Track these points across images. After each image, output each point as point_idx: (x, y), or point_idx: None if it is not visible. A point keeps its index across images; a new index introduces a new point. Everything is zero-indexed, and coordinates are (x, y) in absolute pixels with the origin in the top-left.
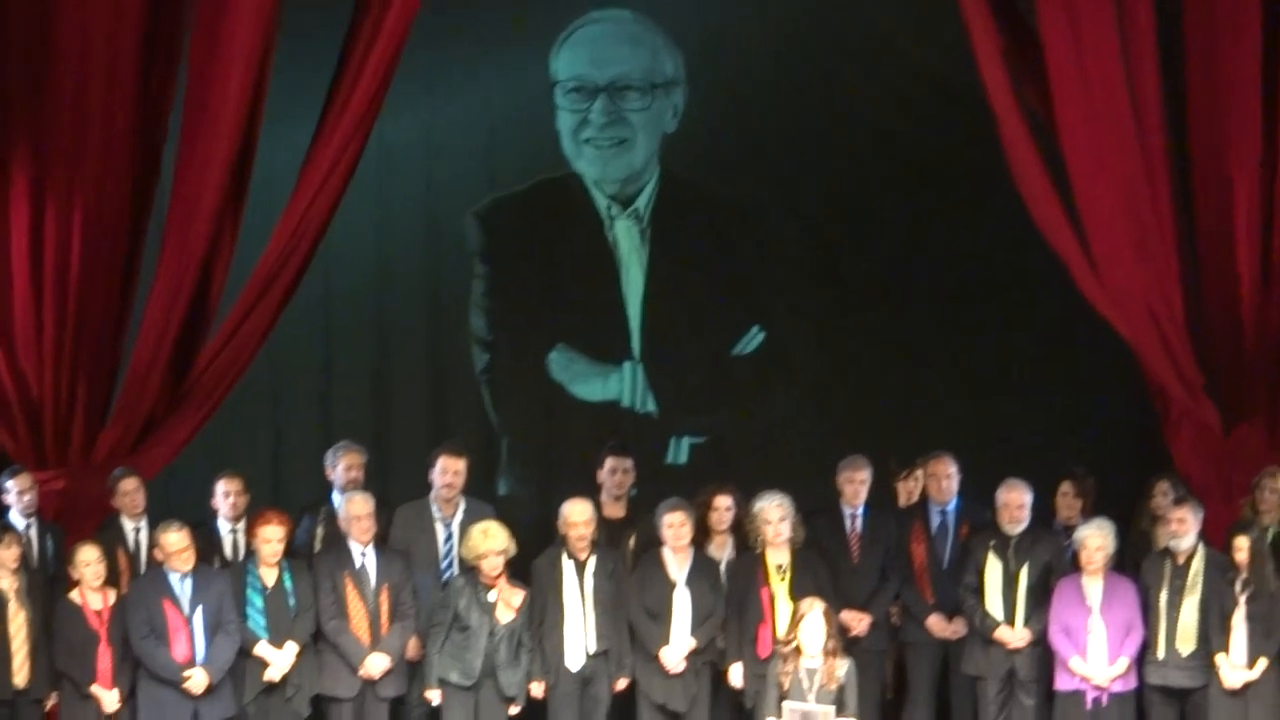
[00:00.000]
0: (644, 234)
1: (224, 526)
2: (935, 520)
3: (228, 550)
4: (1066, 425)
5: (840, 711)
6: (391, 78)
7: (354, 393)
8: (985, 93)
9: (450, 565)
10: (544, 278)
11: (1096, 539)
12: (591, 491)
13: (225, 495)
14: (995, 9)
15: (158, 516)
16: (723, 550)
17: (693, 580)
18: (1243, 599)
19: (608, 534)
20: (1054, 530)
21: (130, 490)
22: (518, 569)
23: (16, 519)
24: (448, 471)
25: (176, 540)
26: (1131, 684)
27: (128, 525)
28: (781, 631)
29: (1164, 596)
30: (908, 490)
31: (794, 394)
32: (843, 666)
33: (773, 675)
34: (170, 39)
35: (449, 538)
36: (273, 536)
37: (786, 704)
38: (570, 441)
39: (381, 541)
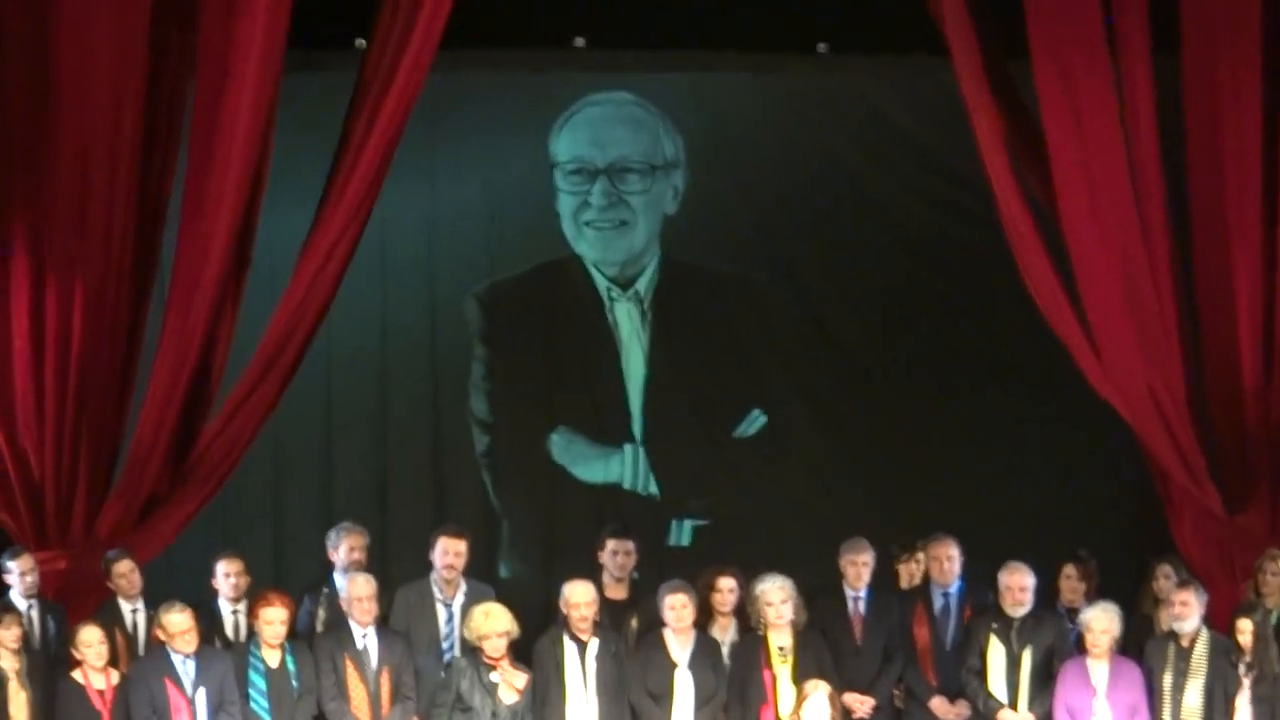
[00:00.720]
0: (644, 316)
1: (225, 607)
2: (938, 602)
3: (229, 631)
4: (1069, 507)
5: None
6: (391, 159)
7: (355, 473)
8: (987, 177)
9: (451, 646)
10: (544, 360)
11: (1102, 622)
12: (593, 573)
13: (226, 576)
14: (996, 94)
15: (158, 597)
16: (725, 632)
17: (695, 662)
18: (1247, 681)
19: (610, 615)
20: (1057, 613)
21: (125, 572)
22: (520, 651)
23: (18, 600)
24: (448, 553)
25: (179, 621)
26: None
27: (125, 607)
28: (784, 713)
29: (1168, 679)
30: (910, 572)
31: (796, 475)
32: None
33: None
34: (170, 118)
35: (450, 619)
36: (275, 618)
37: None
38: (572, 524)
39: (383, 623)
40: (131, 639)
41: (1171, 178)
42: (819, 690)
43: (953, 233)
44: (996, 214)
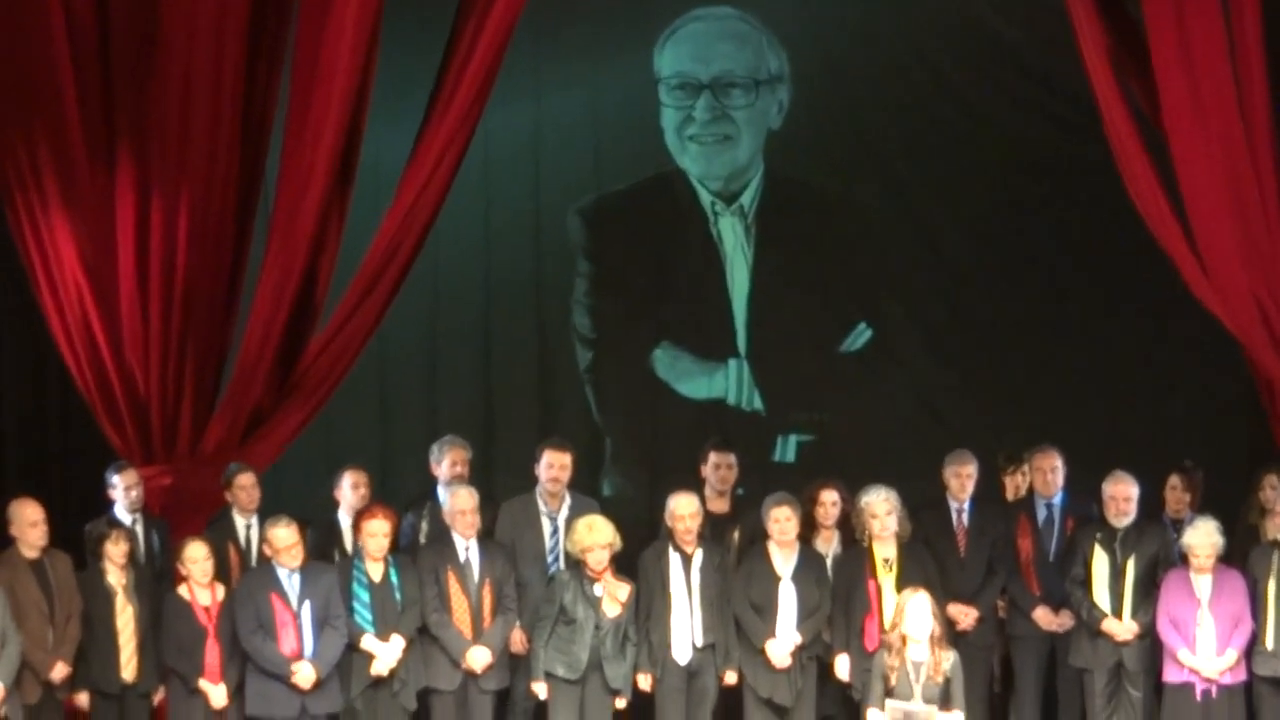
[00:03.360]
0: (749, 230)
1: (345, 520)
2: (1041, 513)
3: (348, 544)
4: (1174, 418)
5: (946, 705)
6: (496, 73)
7: (459, 388)
8: (1092, 88)
9: (556, 559)
10: (648, 275)
11: (1205, 545)
12: (696, 488)
13: (354, 487)
14: (1101, 5)
15: (263, 513)
16: (829, 545)
17: (799, 575)
18: None
19: (712, 529)
20: (1162, 523)
21: (246, 486)
22: (623, 566)
23: (123, 514)
24: (553, 466)
25: (285, 536)
26: (1241, 676)
27: (239, 521)
28: (888, 625)
29: (1272, 588)
30: (1014, 484)
31: (900, 389)
32: (949, 659)
33: (879, 668)
34: (276, 32)
35: (555, 532)
36: (379, 531)
37: (889, 703)
38: (675, 440)
39: (485, 536)
40: (245, 554)
41: (1277, 88)
42: (923, 599)
43: (1057, 146)
44: (1100, 126)
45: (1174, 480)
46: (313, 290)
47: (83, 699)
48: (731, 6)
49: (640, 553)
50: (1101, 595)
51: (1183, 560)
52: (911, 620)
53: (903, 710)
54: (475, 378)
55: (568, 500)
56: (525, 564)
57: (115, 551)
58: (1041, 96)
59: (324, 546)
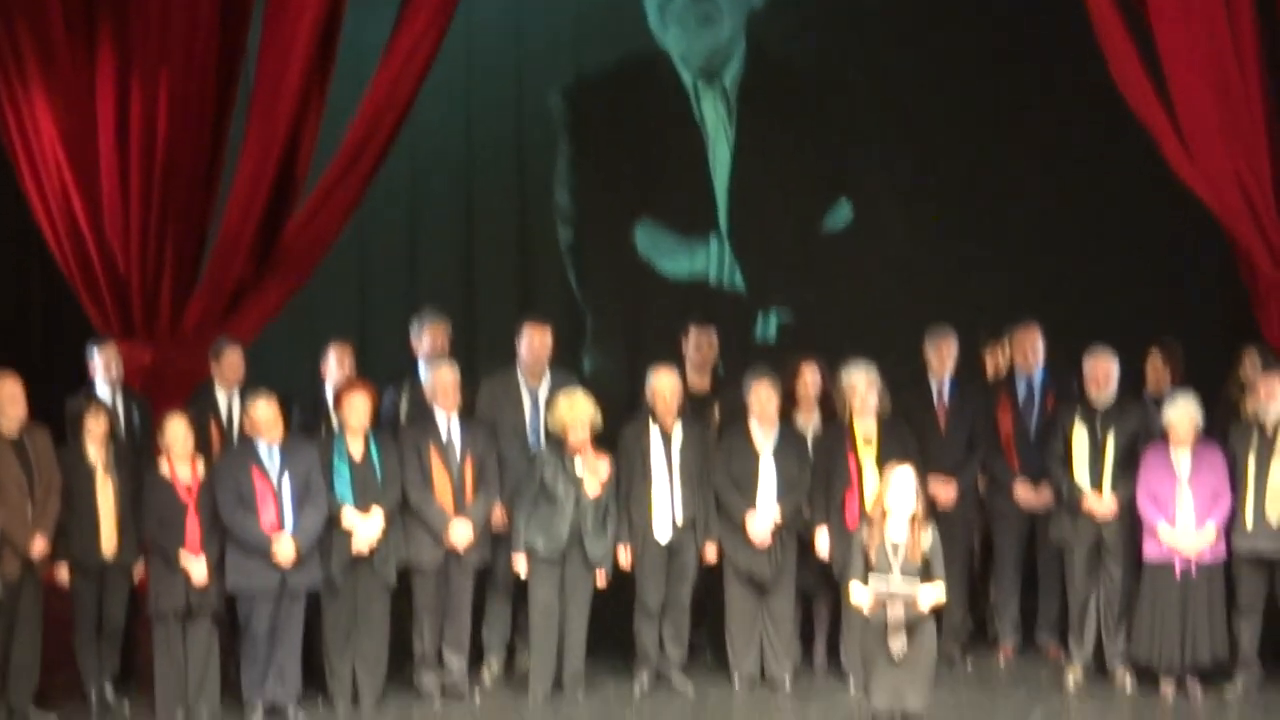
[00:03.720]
0: (730, 109)
1: (332, 394)
2: (1022, 390)
3: (334, 420)
4: (1155, 295)
5: (926, 580)
6: None
7: (440, 265)
8: None
9: (536, 436)
10: (629, 153)
11: (1184, 420)
12: (677, 366)
13: (340, 363)
14: None
15: (244, 388)
16: (809, 422)
17: (779, 451)
18: None
19: (692, 406)
20: (1142, 399)
21: (233, 361)
22: (604, 443)
23: (103, 390)
24: (534, 342)
25: (265, 411)
26: (1220, 553)
27: (221, 396)
28: (869, 500)
29: (1251, 465)
30: (994, 361)
31: (881, 267)
32: (929, 535)
33: (859, 543)
34: None
35: (535, 408)
36: (359, 407)
37: (872, 577)
38: (655, 317)
39: (466, 412)
40: (226, 429)
41: None
42: (904, 474)
43: (1040, 26)
44: (1084, 4)
45: (1154, 356)
46: (293, 168)
47: (63, 574)
48: None
49: (620, 429)
50: (1081, 472)
51: (1163, 436)
52: (895, 495)
53: (887, 589)
54: (456, 254)
55: (548, 377)
56: (505, 440)
57: (94, 427)
58: None
59: (311, 422)
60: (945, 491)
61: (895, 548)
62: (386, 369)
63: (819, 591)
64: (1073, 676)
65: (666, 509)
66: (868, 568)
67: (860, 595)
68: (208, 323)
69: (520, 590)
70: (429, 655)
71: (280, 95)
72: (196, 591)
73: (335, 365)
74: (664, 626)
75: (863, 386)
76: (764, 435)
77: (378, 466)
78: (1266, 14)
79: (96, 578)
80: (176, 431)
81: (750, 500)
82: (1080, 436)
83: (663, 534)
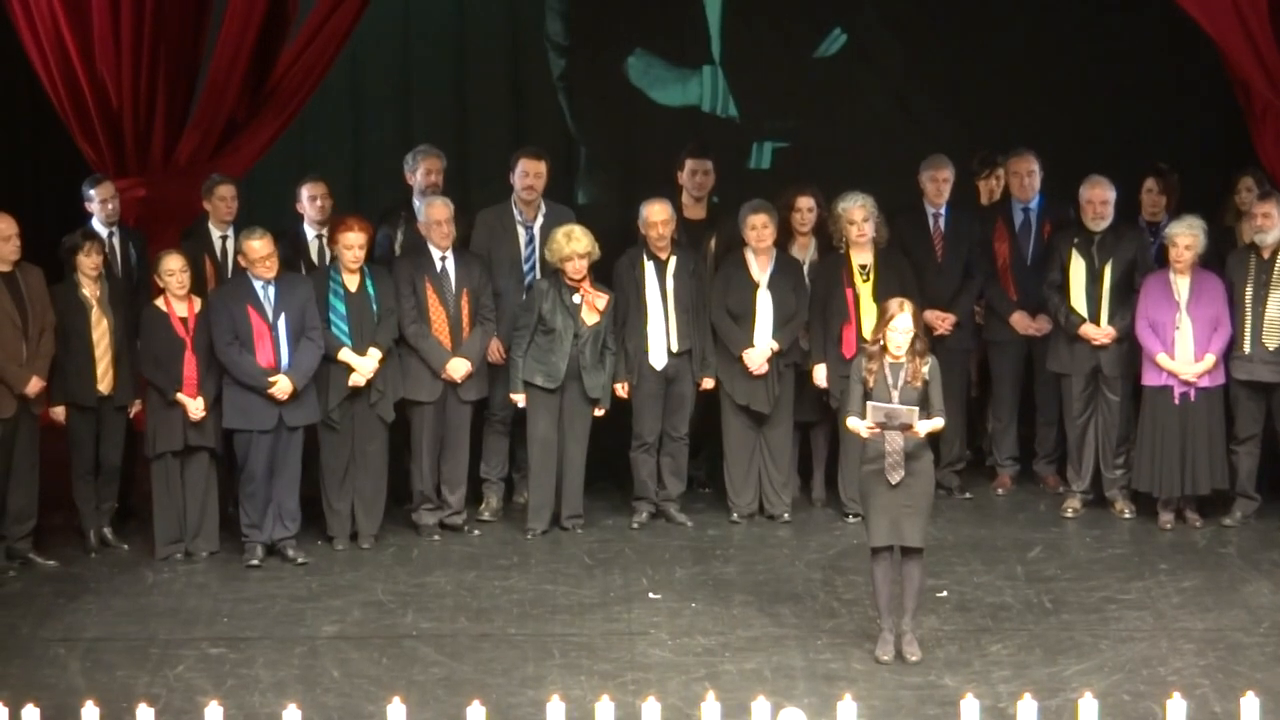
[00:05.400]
0: None
1: (309, 231)
2: (1018, 218)
3: (314, 255)
4: (1150, 121)
5: (925, 410)
6: None
7: (433, 97)
8: None
9: (532, 269)
10: None
11: (1185, 237)
12: (672, 196)
13: (311, 199)
14: None
15: (240, 225)
16: (806, 252)
17: (775, 282)
18: None
19: (688, 236)
20: (1138, 226)
21: (226, 197)
22: (599, 274)
23: (99, 227)
24: (528, 174)
25: (260, 246)
26: (1219, 379)
27: (215, 233)
28: (866, 331)
29: (1249, 292)
30: (990, 188)
31: (876, 94)
32: (927, 365)
33: (857, 374)
34: None
35: (530, 241)
36: (354, 243)
37: (871, 403)
38: (649, 147)
39: (462, 246)
40: (220, 265)
41: None
42: (903, 306)
43: None
44: None
45: (1150, 183)
46: (284, 2)
47: (59, 412)
48: None
49: (616, 261)
50: (1079, 299)
51: (1160, 262)
52: (893, 331)
53: (885, 410)
54: (449, 86)
55: (543, 209)
56: (501, 274)
57: (87, 263)
58: None
59: (290, 259)
60: (943, 321)
61: (896, 373)
62: (381, 203)
63: (817, 424)
64: (1071, 506)
65: (661, 338)
66: (866, 397)
67: (858, 423)
68: (200, 158)
69: (518, 425)
70: (427, 491)
71: None
72: (194, 429)
73: (308, 202)
74: (662, 460)
75: (859, 217)
76: (760, 266)
77: (373, 302)
78: None
79: (93, 415)
80: (173, 267)
81: (748, 331)
82: (1077, 264)
83: (658, 361)
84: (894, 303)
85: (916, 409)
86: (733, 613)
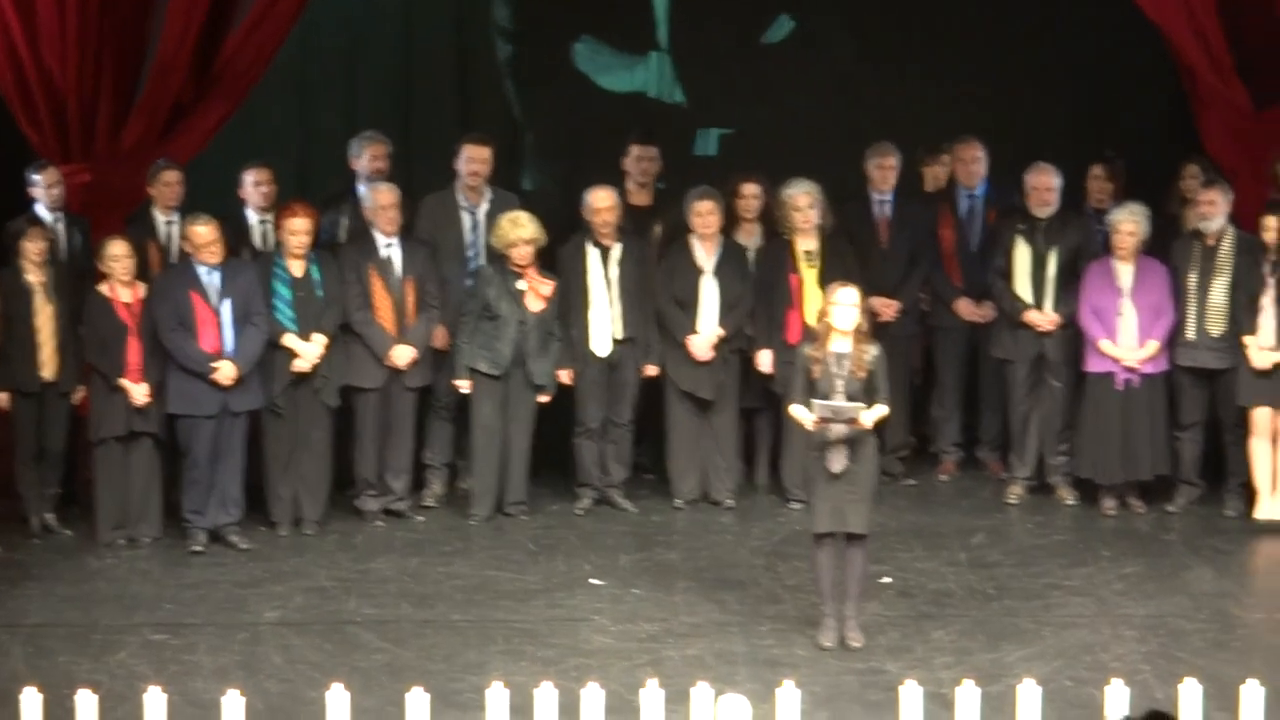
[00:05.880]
0: None
1: (253, 217)
2: (964, 205)
3: (257, 241)
4: (1096, 108)
5: (869, 398)
6: None
7: (379, 83)
8: None
9: (476, 255)
10: None
11: (1129, 223)
12: (618, 183)
13: (255, 185)
14: None
15: (185, 209)
16: (751, 238)
17: (721, 268)
18: (1272, 280)
19: (634, 222)
20: (1084, 213)
21: (171, 182)
22: (545, 261)
23: (44, 213)
24: (473, 160)
25: (205, 232)
26: (1162, 366)
27: (160, 218)
28: (810, 318)
29: (1193, 279)
30: (935, 175)
31: (822, 81)
32: (872, 353)
33: (801, 361)
34: None
35: (475, 227)
36: (299, 229)
37: (815, 401)
38: (596, 133)
39: (407, 232)
40: (165, 251)
41: None
42: (847, 292)
43: None
44: None
45: (1096, 170)
46: None
47: (2, 398)
48: None
49: (561, 247)
50: (1023, 286)
51: (1105, 250)
52: (838, 311)
53: (830, 406)
54: (394, 72)
55: (488, 195)
56: (446, 260)
57: (32, 249)
58: None
59: (233, 244)
60: (887, 308)
61: (840, 360)
62: (326, 189)
63: (761, 410)
64: (1014, 492)
65: (605, 325)
66: (810, 385)
67: (802, 412)
68: (146, 143)
69: (462, 411)
70: (371, 477)
71: None
72: (137, 415)
73: (251, 187)
74: (605, 446)
75: (804, 203)
76: (706, 253)
77: (318, 288)
78: None
79: (36, 401)
80: (117, 252)
81: (693, 318)
82: (1022, 251)
83: (601, 348)
84: (837, 286)
85: (862, 405)
86: (675, 599)
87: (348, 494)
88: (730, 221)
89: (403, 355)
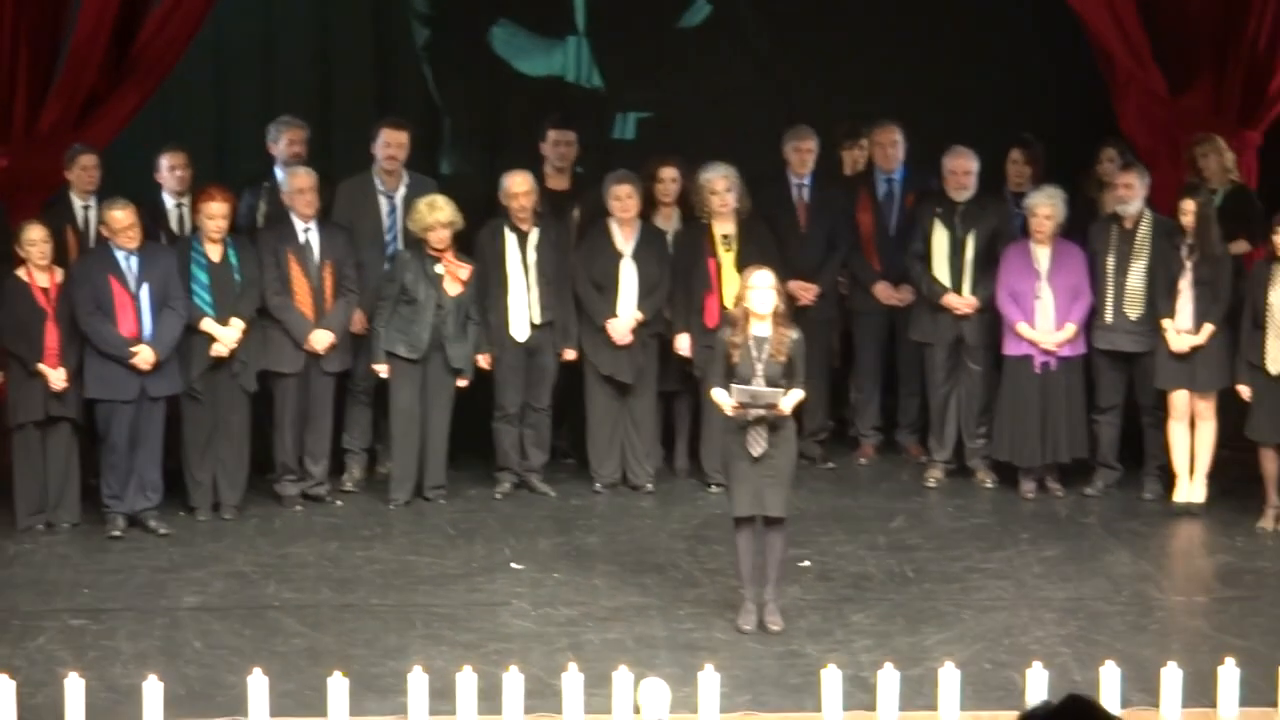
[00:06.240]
0: None
1: (169, 201)
2: (882, 188)
3: (173, 225)
4: (1014, 92)
5: (789, 382)
6: None
7: (296, 67)
8: None
9: (394, 239)
10: None
11: (1045, 207)
12: (536, 166)
13: (171, 169)
14: None
15: (103, 195)
16: (669, 222)
17: (639, 252)
18: (1189, 263)
19: (552, 206)
20: (1001, 197)
21: (88, 166)
22: (463, 245)
23: None
24: (390, 144)
25: (123, 217)
26: (1080, 349)
27: (77, 203)
28: (729, 301)
29: (1111, 262)
30: (853, 159)
31: (741, 64)
32: (792, 336)
33: (721, 345)
34: None
35: (392, 211)
36: (217, 213)
37: (735, 385)
38: (513, 118)
39: (324, 217)
40: (83, 236)
41: None
42: (764, 276)
43: None
44: None
45: (1015, 154)
46: None
47: None
48: None
49: (479, 232)
50: (941, 270)
51: (1023, 233)
52: (755, 295)
53: (749, 391)
54: (312, 56)
55: (405, 179)
56: (363, 244)
57: None
58: None
59: (150, 229)
60: (806, 292)
61: (760, 344)
62: (244, 172)
63: (680, 394)
64: (933, 475)
65: (523, 310)
66: (730, 369)
67: (721, 396)
68: (63, 127)
69: (381, 396)
70: (290, 462)
71: None
72: (55, 400)
73: (167, 171)
74: (524, 431)
75: (721, 187)
76: (624, 236)
77: (236, 272)
78: None
79: None
80: (34, 237)
81: (612, 302)
82: (940, 234)
83: (520, 333)
84: (754, 270)
85: (781, 390)
86: (595, 583)
87: (267, 479)
88: (648, 205)
89: (321, 340)
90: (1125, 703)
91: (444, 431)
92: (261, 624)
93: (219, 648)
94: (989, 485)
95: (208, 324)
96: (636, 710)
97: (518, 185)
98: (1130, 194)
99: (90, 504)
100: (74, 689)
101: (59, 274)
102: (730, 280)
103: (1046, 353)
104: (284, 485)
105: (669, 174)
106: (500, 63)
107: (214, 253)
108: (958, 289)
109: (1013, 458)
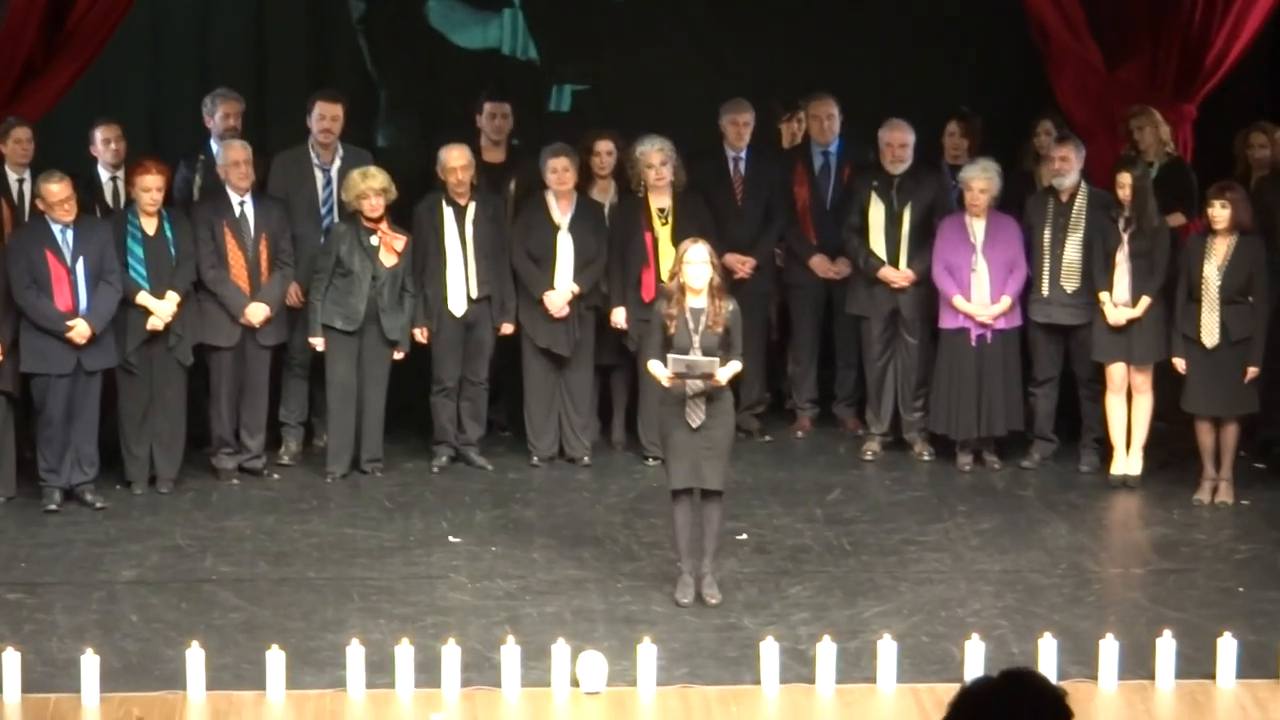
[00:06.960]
0: None
1: (104, 174)
2: (818, 161)
3: (108, 198)
4: (951, 65)
5: (725, 354)
6: None
7: (231, 39)
8: None
9: (330, 211)
10: None
11: (981, 180)
12: (472, 139)
13: (105, 142)
14: None
15: (38, 168)
16: (605, 195)
17: (576, 224)
18: (1126, 236)
19: (488, 179)
20: (938, 170)
21: (21, 139)
22: (400, 219)
23: None
24: (325, 117)
25: (58, 190)
26: (1016, 321)
27: (11, 176)
28: (665, 275)
29: (1047, 235)
30: (790, 132)
31: (677, 37)
32: (727, 309)
33: (657, 318)
34: None
35: (328, 184)
36: (152, 185)
37: (671, 355)
38: (450, 90)
39: (260, 190)
40: (18, 209)
41: None
42: (700, 248)
43: None
44: None
45: (951, 127)
46: None
47: None
48: None
49: (415, 206)
50: (878, 243)
51: (959, 206)
52: (690, 270)
53: (685, 361)
54: (247, 29)
55: (340, 152)
56: (299, 217)
57: None
58: None
59: (86, 202)
60: (743, 265)
61: (696, 317)
62: (179, 145)
63: (617, 367)
64: (870, 449)
65: (461, 284)
66: (666, 342)
67: (658, 368)
68: None
69: (317, 369)
70: (226, 435)
71: None
72: None
73: (102, 144)
74: (461, 404)
75: (657, 160)
76: (561, 209)
77: (171, 245)
78: None
79: None
80: None
81: (548, 275)
82: (876, 207)
83: (457, 307)
84: (690, 243)
85: (717, 360)
86: (533, 556)
87: (203, 452)
88: (585, 178)
89: (257, 313)
90: (1063, 675)
91: (380, 405)
92: (198, 597)
93: (156, 621)
94: (926, 458)
95: (143, 297)
96: (574, 683)
97: (455, 159)
98: (1066, 167)
99: (26, 478)
100: (10, 663)
101: None
102: (666, 254)
103: (982, 325)
104: (220, 459)
105: (605, 147)
106: (436, 35)
107: (149, 226)
108: (894, 262)
109: (949, 430)
